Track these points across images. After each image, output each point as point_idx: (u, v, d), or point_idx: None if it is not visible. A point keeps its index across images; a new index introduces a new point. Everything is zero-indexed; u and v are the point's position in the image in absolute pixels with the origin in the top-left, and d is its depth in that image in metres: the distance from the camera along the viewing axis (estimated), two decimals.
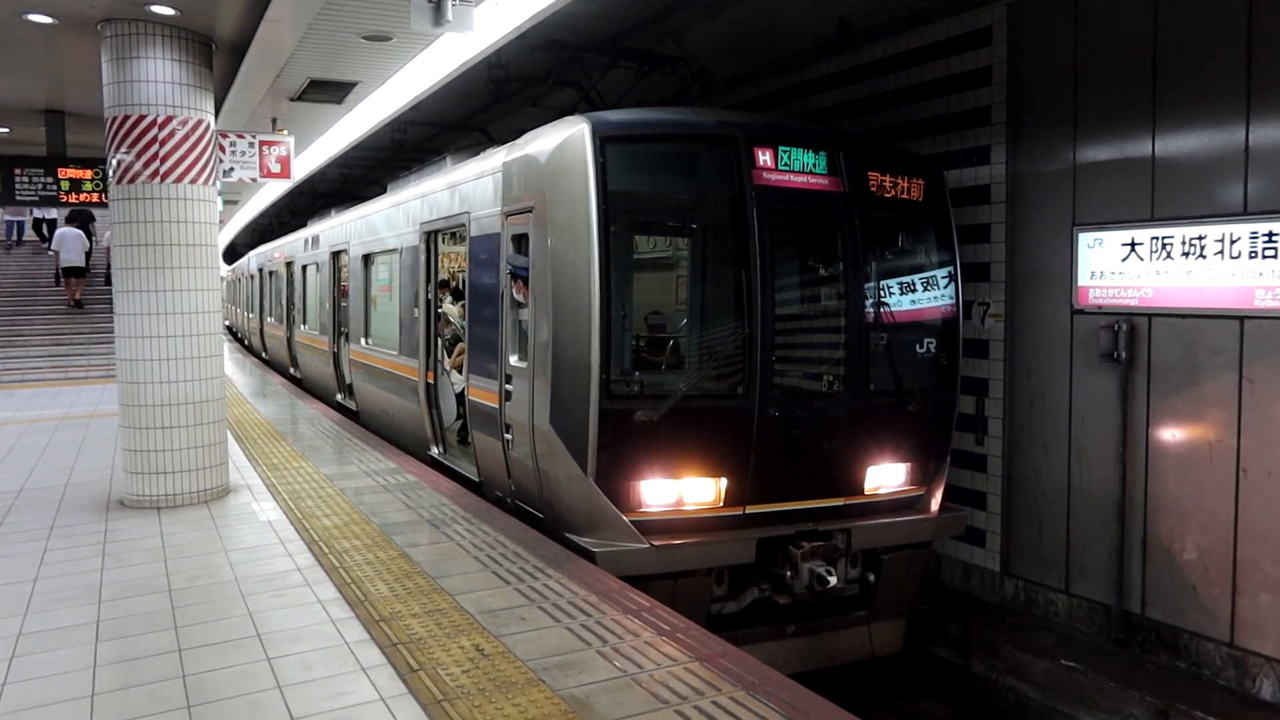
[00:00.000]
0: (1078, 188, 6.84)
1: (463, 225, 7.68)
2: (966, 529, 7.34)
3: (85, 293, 18.78)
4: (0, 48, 7.50)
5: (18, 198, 10.98)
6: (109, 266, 7.15)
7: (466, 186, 7.67)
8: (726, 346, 6.03)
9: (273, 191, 18.51)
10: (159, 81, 6.84)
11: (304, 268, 15.67)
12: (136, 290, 6.87)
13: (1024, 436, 7.35)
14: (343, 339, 12.68)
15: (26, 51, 7.71)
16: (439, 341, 8.96)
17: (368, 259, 11.33)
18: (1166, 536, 6.36)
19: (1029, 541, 7.37)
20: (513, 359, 6.57)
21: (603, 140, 5.75)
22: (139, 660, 4.17)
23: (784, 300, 6.24)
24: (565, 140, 5.93)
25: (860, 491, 6.44)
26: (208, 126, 7.14)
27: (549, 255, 5.92)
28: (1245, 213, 5.78)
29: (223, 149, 7.73)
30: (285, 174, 8.19)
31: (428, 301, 8.82)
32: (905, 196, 6.63)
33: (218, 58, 7.48)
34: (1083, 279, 6.78)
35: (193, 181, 6.97)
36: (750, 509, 6.10)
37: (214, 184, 7.27)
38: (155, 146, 6.81)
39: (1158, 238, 6.26)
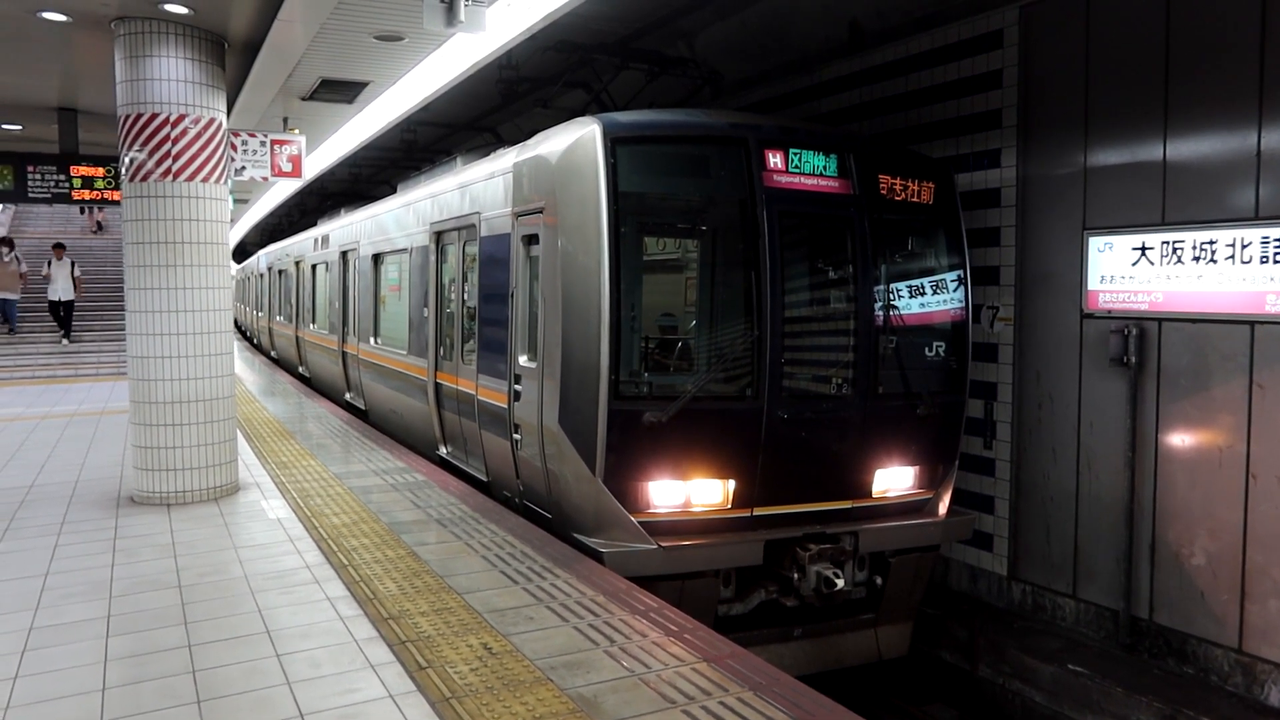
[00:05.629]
0: (1088, 191, 6.82)
1: (473, 225, 7.70)
2: (974, 533, 7.33)
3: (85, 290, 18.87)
4: (14, 45, 7.55)
5: (30, 195, 11.04)
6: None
7: (477, 187, 7.69)
8: (735, 348, 6.04)
9: (283, 191, 18.57)
10: (172, 80, 6.88)
11: (313, 267, 15.71)
12: (148, 288, 6.91)
13: (1032, 441, 7.33)
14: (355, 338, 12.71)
15: (40, 49, 7.75)
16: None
17: (377, 259, 11.36)
18: (1175, 542, 6.35)
19: (1037, 546, 7.35)
20: (522, 359, 6.58)
21: (613, 141, 5.76)
22: (149, 655, 4.20)
23: (793, 302, 6.25)
24: (576, 141, 5.94)
25: (868, 494, 6.43)
26: (220, 125, 7.18)
27: (559, 256, 5.93)
28: (1257, 217, 5.76)
29: (234, 148, 7.77)
30: (296, 173, 8.22)
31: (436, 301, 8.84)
32: (915, 199, 6.62)
33: (230, 56, 7.52)
34: (1093, 283, 6.76)
35: (204, 180, 7.01)
36: (758, 511, 6.09)
37: (225, 182, 7.31)
38: (168, 145, 6.85)
39: (1168, 242, 6.24)
